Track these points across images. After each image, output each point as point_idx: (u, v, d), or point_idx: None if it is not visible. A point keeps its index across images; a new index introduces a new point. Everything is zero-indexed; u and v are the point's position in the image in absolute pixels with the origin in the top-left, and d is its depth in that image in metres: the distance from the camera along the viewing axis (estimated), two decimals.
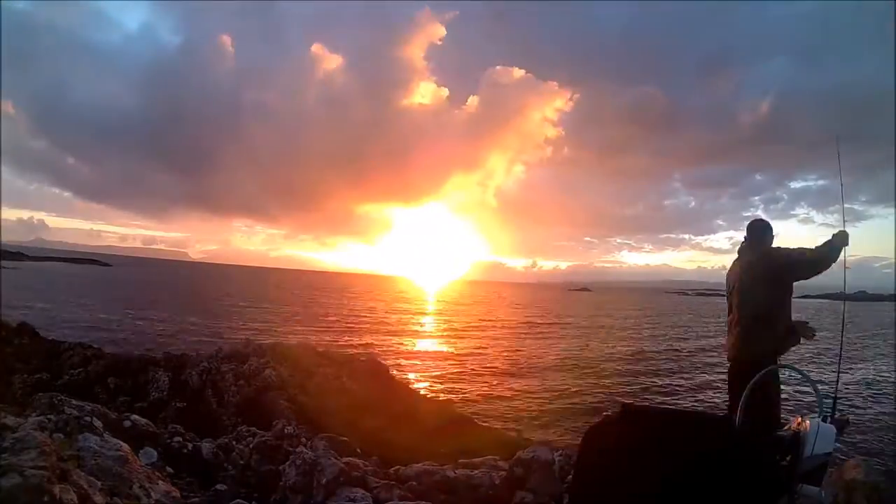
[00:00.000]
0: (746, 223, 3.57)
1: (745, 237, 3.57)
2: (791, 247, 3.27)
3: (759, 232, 3.50)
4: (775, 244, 3.48)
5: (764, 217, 4.24)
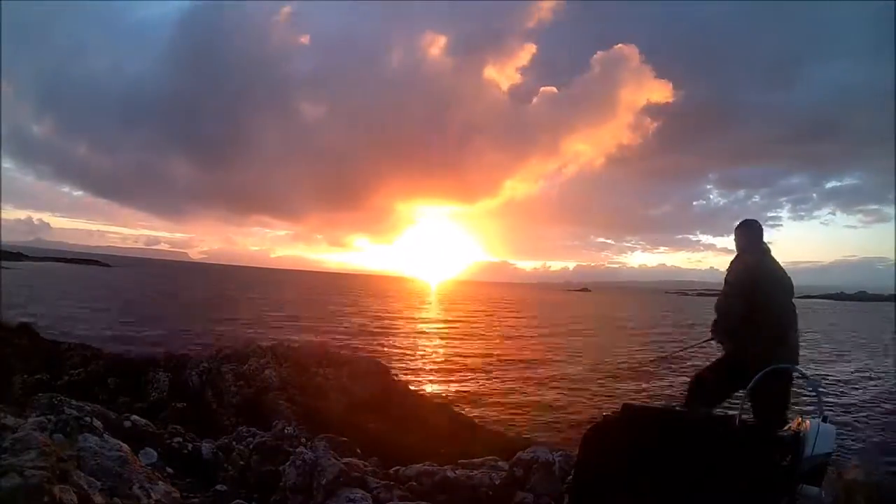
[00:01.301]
0: (767, 225, 3.48)
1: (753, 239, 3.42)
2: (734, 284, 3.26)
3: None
4: (779, 248, 3.46)
5: (752, 218, 3.99)
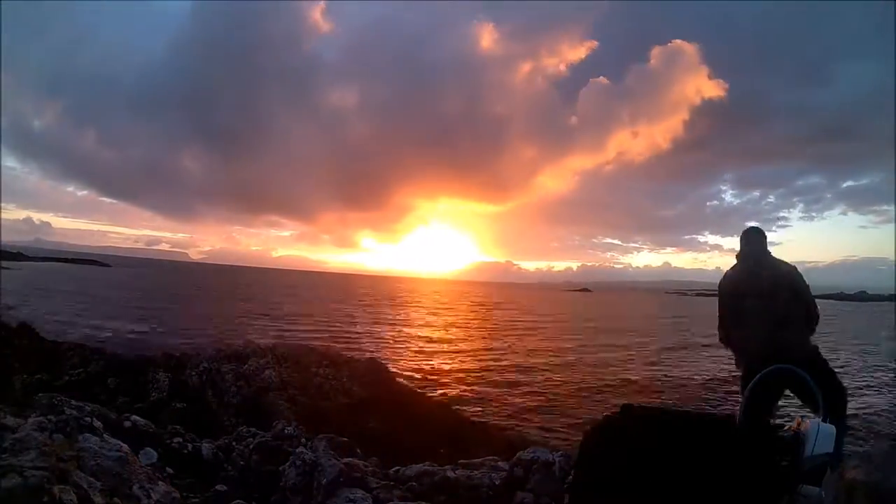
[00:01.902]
0: (775, 228, 3.66)
1: (751, 243, 3.63)
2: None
3: (763, 239, 3.64)
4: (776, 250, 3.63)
5: (757, 224, 4.42)
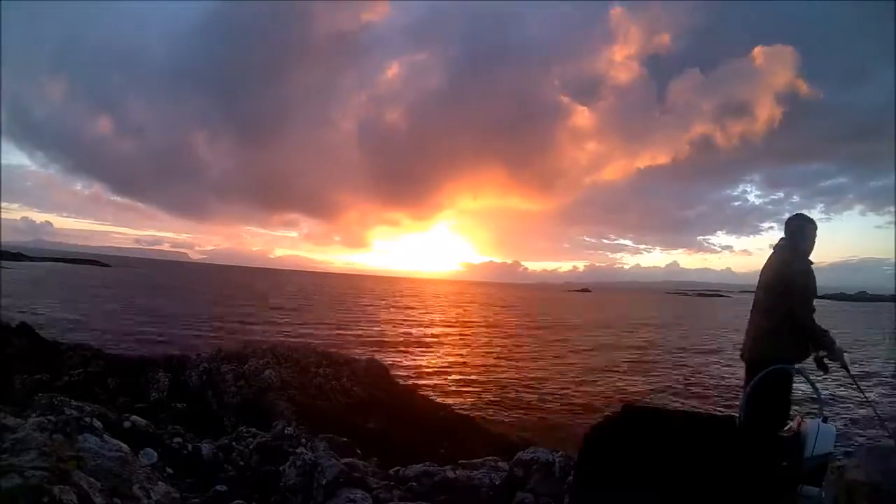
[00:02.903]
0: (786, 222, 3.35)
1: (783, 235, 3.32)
2: (809, 297, 3.02)
3: (790, 231, 3.27)
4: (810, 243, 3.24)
5: (805, 214, 3.70)
